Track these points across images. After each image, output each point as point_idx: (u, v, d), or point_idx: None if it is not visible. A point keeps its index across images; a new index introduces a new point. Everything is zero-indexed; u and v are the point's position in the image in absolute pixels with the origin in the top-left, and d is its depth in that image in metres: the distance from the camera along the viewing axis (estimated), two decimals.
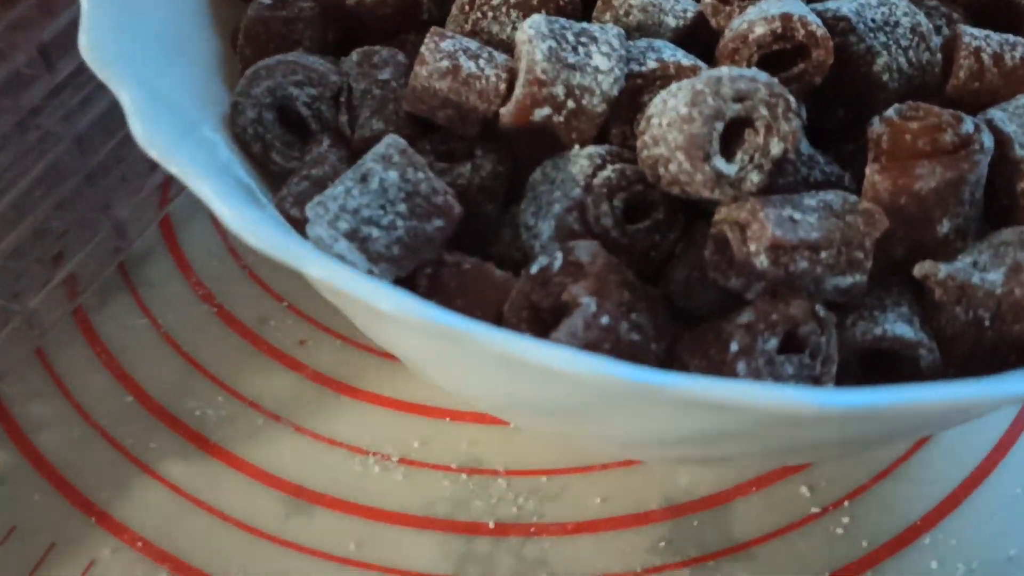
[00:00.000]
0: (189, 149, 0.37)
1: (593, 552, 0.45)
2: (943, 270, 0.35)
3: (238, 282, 0.55)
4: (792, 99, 0.35)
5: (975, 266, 0.35)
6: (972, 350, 0.35)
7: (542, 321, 0.36)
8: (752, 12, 0.39)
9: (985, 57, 0.40)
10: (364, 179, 0.37)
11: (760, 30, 0.38)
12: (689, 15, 0.42)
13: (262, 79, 0.41)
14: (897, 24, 0.40)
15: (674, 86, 0.37)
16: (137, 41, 0.39)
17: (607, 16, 0.43)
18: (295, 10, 0.44)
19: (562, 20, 0.39)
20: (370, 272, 0.37)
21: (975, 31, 0.41)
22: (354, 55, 0.42)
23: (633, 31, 0.42)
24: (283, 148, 0.42)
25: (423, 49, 0.40)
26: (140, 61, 0.38)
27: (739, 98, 0.35)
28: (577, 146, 0.39)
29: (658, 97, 0.37)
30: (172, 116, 0.37)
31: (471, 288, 0.37)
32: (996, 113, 0.38)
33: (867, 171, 0.36)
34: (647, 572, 0.45)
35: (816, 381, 0.34)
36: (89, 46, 0.37)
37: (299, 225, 0.39)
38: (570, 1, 0.43)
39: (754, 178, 0.35)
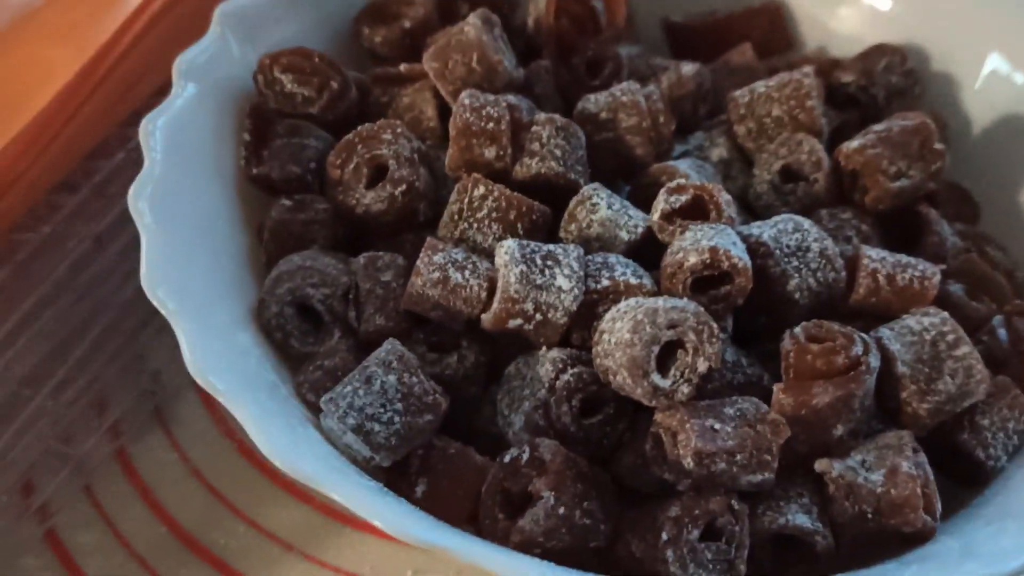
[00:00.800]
0: (229, 371, 0.45)
1: None
2: (836, 468, 0.43)
3: None
4: (715, 326, 0.44)
5: (863, 465, 0.44)
6: (859, 537, 0.43)
7: (512, 504, 0.44)
8: (688, 240, 0.48)
9: (880, 277, 0.48)
10: (368, 381, 0.46)
11: (692, 259, 0.46)
12: (640, 230, 0.50)
13: (284, 282, 0.50)
14: (808, 249, 0.48)
15: (622, 306, 0.45)
16: (186, 266, 0.47)
17: (572, 227, 0.51)
18: (312, 213, 0.53)
19: (532, 244, 0.48)
20: (371, 460, 0.45)
21: (873, 253, 0.49)
22: (361, 259, 0.51)
23: (593, 241, 0.51)
24: (300, 336, 0.51)
25: (419, 263, 0.48)
26: (186, 280, 0.47)
27: (672, 325, 0.43)
28: (544, 347, 0.47)
29: (609, 315, 0.46)
30: (214, 337, 0.45)
31: (455, 470, 0.46)
32: (884, 331, 0.46)
33: (774, 389, 0.44)
34: None
35: (731, 564, 0.42)
36: (147, 276, 0.45)
37: (314, 408, 0.48)
38: (541, 214, 0.51)
39: (684, 390, 0.44)
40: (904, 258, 0.49)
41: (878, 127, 0.55)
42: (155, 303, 0.44)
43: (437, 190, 0.54)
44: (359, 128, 0.53)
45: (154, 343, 0.61)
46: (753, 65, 0.63)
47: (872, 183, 0.53)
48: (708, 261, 0.46)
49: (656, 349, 0.43)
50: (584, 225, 0.51)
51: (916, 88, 0.62)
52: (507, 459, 0.45)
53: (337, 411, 0.45)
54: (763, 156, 0.56)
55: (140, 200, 0.48)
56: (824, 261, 0.48)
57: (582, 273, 0.47)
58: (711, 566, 0.42)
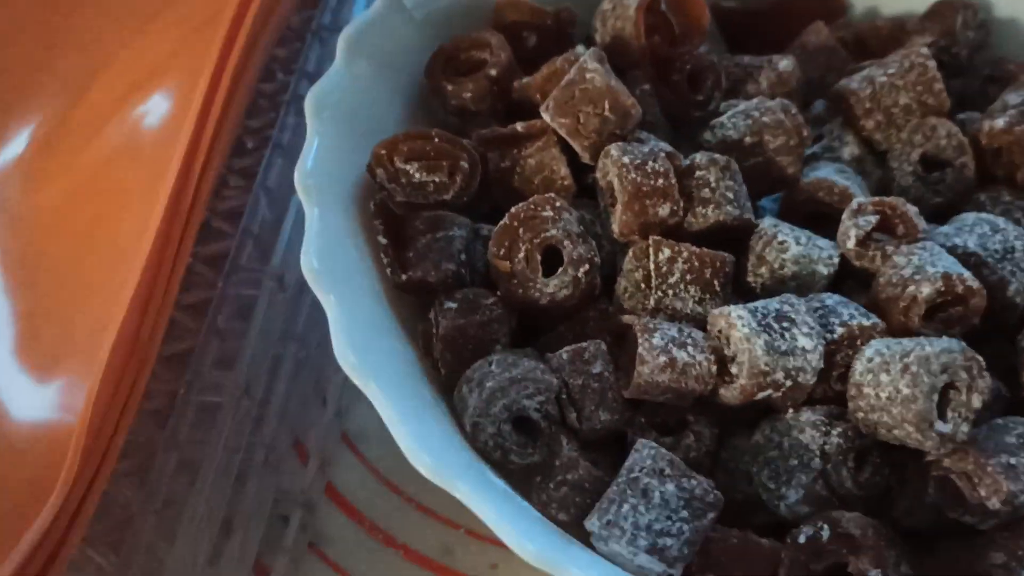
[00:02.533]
0: (462, 476, 0.42)
1: None
2: None
3: (410, 517, 0.59)
4: (980, 359, 0.43)
5: None
6: None
7: None
8: (906, 267, 0.46)
9: None
10: (645, 495, 0.43)
11: (927, 290, 0.45)
12: (835, 260, 0.49)
13: (498, 399, 0.46)
14: (1013, 249, 0.48)
15: (873, 355, 0.44)
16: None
17: (762, 270, 0.49)
18: (486, 313, 0.48)
19: (758, 305, 0.45)
20: (666, 574, 0.43)
21: None
22: (564, 355, 0.47)
23: (788, 281, 0.49)
24: (519, 451, 0.47)
25: (641, 350, 0.45)
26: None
27: (944, 370, 0.42)
28: (791, 410, 0.46)
29: (861, 366, 0.44)
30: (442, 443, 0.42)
31: (743, 560, 0.44)
32: None
33: None
34: None
35: None
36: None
37: (564, 526, 0.45)
38: (730, 264, 0.49)
39: (964, 430, 0.43)
40: None
41: (1013, 99, 0.54)
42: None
43: None
44: (514, 211, 0.49)
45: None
46: (831, 45, 0.61)
47: (1021, 157, 0.53)
48: (943, 289, 0.45)
49: (936, 398, 0.42)
50: (776, 266, 0.49)
51: (990, 39, 0.62)
52: (802, 539, 0.43)
53: (624, 535, 0.42)
54: (897, 147, 0.55)
55: None
56: None
57: (818, 327, 0.45)
58: None
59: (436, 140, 0.50)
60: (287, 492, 0.57)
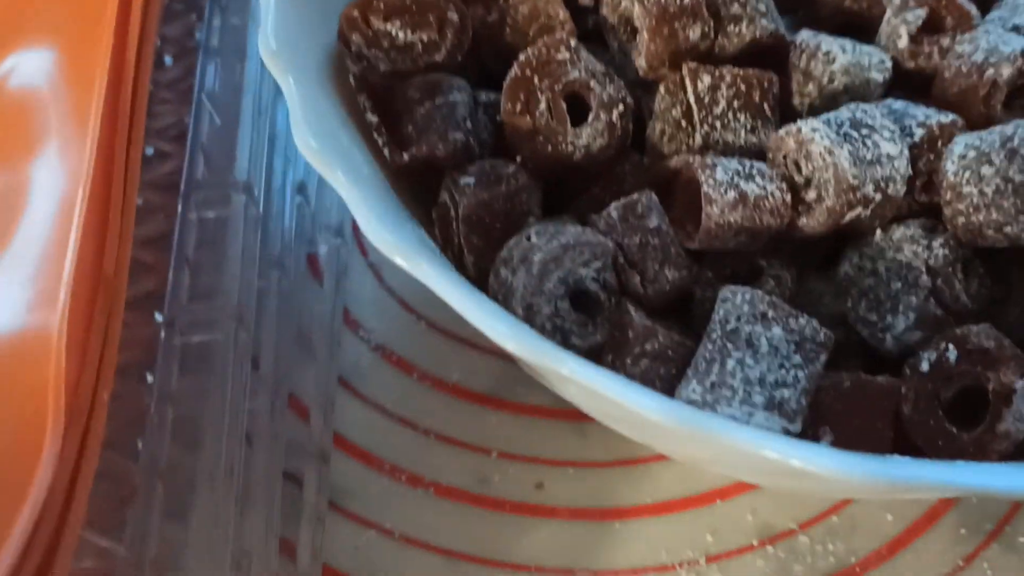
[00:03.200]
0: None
1: (913, 559, 0.48)
2: None
3: (433, 451, 0.52)
4: None
5: None
6: None
7: (951, 412, 0.38)
8: (979, 55, 0.41)
9: None
10: (751, 344, 0.36)
11: (1007, 71, 0.40)
12: (888, 64, 0.43)
13: (552, 272, 0.39)
14: None
15: (968, 151, 0.39)
16: None
17: (810, 87, 0.43)
18: (512, 182, 0.41)
19: (832, 116, 0.39)
20: (786, 431, 0.37)
21: None
22: (613, 211, 0.40)
23: (841, 96, 0.43)
24: (580, 330, 0.40)
25: (706, 188, 0.39)
26: None
27: None
28: (879, 230, 0.40)
29: (954, 166, 0.39)
30: None
31: (860, 403, 0.38)
32: None
33: None
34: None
35: None
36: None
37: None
38: (777, 84, 0.43)
39: None
40: None
41: None
42: None
43: None
44: (524, 58, 0.41)
45: None
46: None
47: None
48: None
49: None
50: (825, 81, 0.43)
51: None
52: (925, 366, 0.38)
53: (735, 395, 0.36)
54: None
55: None
56: None
57: (899, 130, 0.40)
58: None
59: None
60: (296, 447, 0.49)
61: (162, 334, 0.41)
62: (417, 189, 0.43)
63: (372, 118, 0.42)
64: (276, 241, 0.48)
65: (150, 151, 0.48)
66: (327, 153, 0.36)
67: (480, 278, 0.41)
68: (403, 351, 0.55)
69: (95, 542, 0.36)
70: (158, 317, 0.44)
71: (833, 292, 0.42)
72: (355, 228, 0.59)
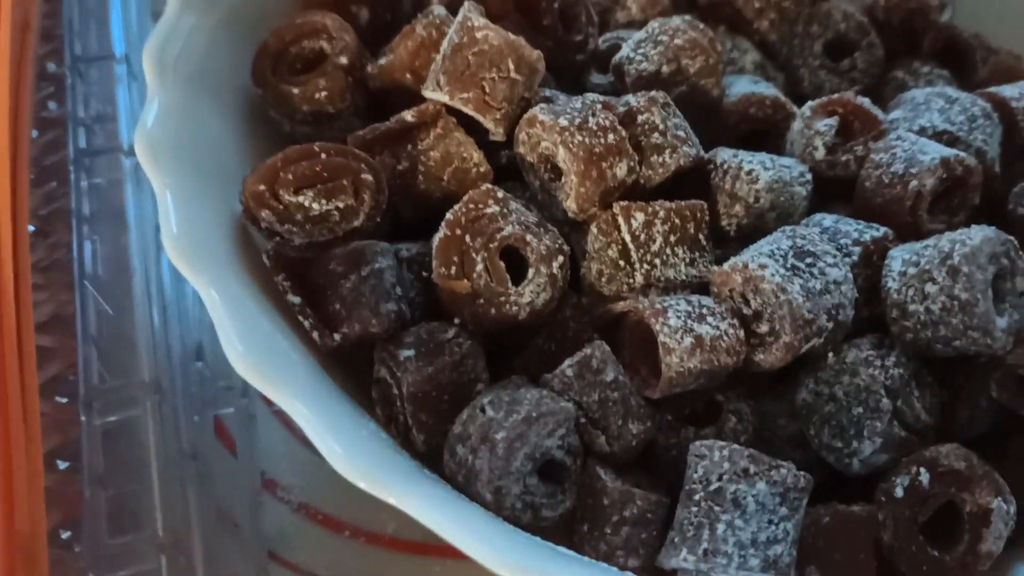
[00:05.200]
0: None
1: None
2: None
3: None
4: (1014, 239, 0.39)
5: None
6: None
7: (926, 533, 0.38)
8: (898, 164, 0.41)
9: None
10: (737, 504, 0.35)
11: (930, 181, 0.41)
12: (808, 177, 0.43)
13: (518, 450, 0.36)
14: (975, 117, 0.44)
15: (908, 268, 0.39)
16: None
17: (737, 208, 0.42)
18: (456, 350, 0.38)
19: (773, 246, 0.39)
20: None
21: (1008, 91, 0.47)
22: (568, 370, 0.38)
23: (767, 213, 0.43)
24: (550, 501, 0.38)
25: (662, 338, 0.37)
26: None
27: (990, 261, 0.38)
28: (831, 354, 0.40)
29: (896, 283, 0.39)
30: None
31: (841, 536, 0.38)
32: None
33: None
34: None
35: None
36: None
37: (637, 572, 0.37)
38: (706, 211, 0.42)
39: (1016, 319, 0.39)
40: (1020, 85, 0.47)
41: None
42: None
43: None
44: (452, 217, 0.39)
45: None
46: None
47: (924, 24, 0.50)
48: (944, 176, 0.41)
49: (991, 293, 0.38)
50: (752, 200, 0.42)
51: None
52: (900, 492, 0.37)
53: (731, 561, 0.34)
54: (796, 44, 0.51)
55: None
56: (989, 121, 0.45)
57: (841, 253, 0.39)
58: None
59: (323, 155, 0.39)
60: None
61: (83, 418, 0.36)
62: (351, 366, 0.40)
63: (294, 299, 0.38)
64: (184, 425, 0.44)
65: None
66: (265, 368, 0.33)
67: (431, 455, 0.38)
68: (329, 507, 0.51)
69: None
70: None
71: (788, 414, 0.41)
72: None
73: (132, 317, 0.41)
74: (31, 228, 0.47)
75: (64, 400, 0.41)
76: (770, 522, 0.35)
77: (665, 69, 0.45)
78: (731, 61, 0.50)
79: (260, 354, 0.34)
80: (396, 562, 0.50)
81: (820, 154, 0.43)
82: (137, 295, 0.42)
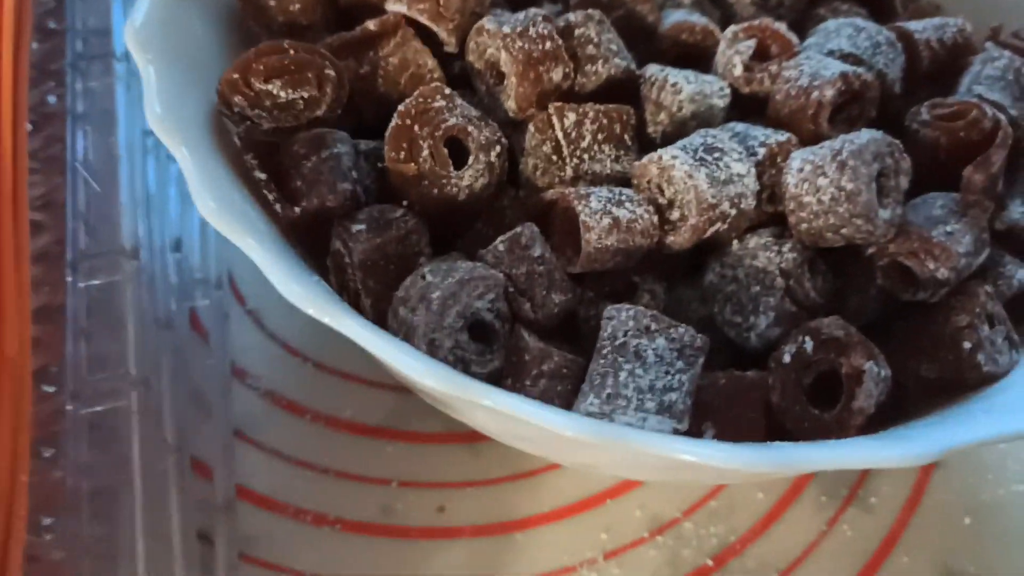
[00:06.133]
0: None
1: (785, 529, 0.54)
2: (1021, 218, 0.47)
3: (334, 487, 0.53)
4: (899, 143, 0.44)
5: None
6: None
7: (812, 396, 0.43)
8: (804, 79, 0.46)
9: (933, 44, 0.51)
10: (638, 356, 0.40)
11: (830, 92, 0.46)
12: (727, 91, 0.48)
13: (450, 307, 0.41)
14: (879, 44, 0.49)
15: (801, 165, 0.44)
16: None
17: (661, 116, 0.48)
18: (402, 226, 0.44)
19: (686, 142, 0.44)
20: (676, 431, 0.41)
21: (913, 25, 0.52)
22: (500, 245, 0.43)
23: (689, 122, 0.48)
24: (479, 359, 0.43)
25: (583, 217, 0.42)
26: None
27: (874, 158, 0.43)
28: (735, 241, 0.45)
29: (794, 179, 0.44)
30: None
31: (734, 397, 0.43)
32: (977, 87, 0.49)
33: (965, 172, 0.46)
34: None
35: (1009, 338, 0.45)
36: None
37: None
38: (633, 115, 0.47)
39: (899, 212, 0.44)
40: (930, 21, 0.52)
41: None
42: None
43: None
44: (403, 108, 0.44)
45: None
46: None
47: None
48: (843, 88, 0.46)
49: (874, 187, 0.43)
50: (675, 109, 0.47)
51: None
52: (787, 358, 0.43)
53: (630, 403, 0.40)
54: None
55: None
56: (893, 48, 0.50)
57: (745, 150, 0.44)
58: (1004, 348, 0.44)
59: (292, 52, 0.44)
60: (203, 505, 0.49)
61: (68, 407, 0.41)
62: (309, 240, 0.45)
63: (260, 175, 0.43)
64: (162, 302, 0.49)
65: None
66: (229, 216, 0.38)
67: (379, 319, 0.43)
68: (293, 394, 0.57)
69: None
70: (47, 389, 0.44)
71: (700, 299, 0.46)
72: (232, 280, 0.60)
73: (118, 198, 0.46)
74: (29, 126, 0.52)
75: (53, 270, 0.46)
76: (667, 372, 0.40)
77: None
78: None
79: (227, 208, 0.39)
80: (353, 443, 0.55)
81: (738, 71, 0.48)
82: (122, 179, 0.47)
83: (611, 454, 0.41)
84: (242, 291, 0.60)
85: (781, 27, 0.49)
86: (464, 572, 0.51)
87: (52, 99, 0.52)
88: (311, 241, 0.45)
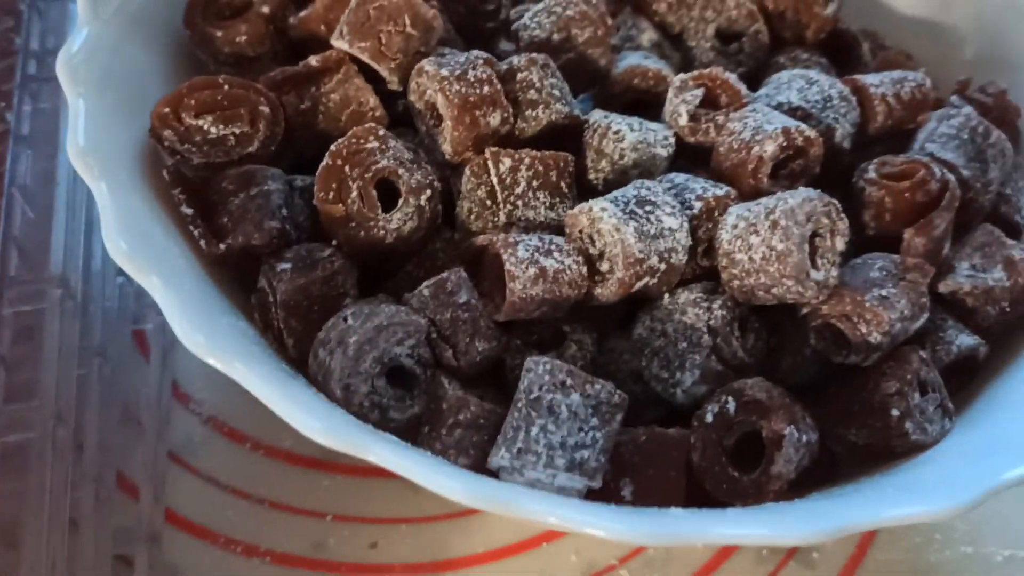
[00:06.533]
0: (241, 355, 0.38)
1: None
2: (964, 283, 0.46)
3: (267, 519, 0.53)
4: (838, 203, 0.43)
5: (976, 268, 0.47)
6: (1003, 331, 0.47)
7: (733, 457, 0.42)
8: (747, 132, 0.46)
9: (890, 99, 0.50)
10: (552, 411, 0.40)
11: (771, 148, 0.45)
12: (671, 140, 0.48)
13: (367, 352, 0.41)
14: (830, 98, 0.49)
15: (736, 221, 0.43)
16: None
17: (603, 164, 0.47)
18: (327, 266, 0.43)
19: (616, 195, 0.43)
20: (589, 488, 0.40)
21: (869, 79, 0.51)
22: (425, 290, 0.43)
23: (631, 170, 0.47)
24: (398, 404, 0.42)
25: (508, 266, 0.42)
26: None
27: (808, 218, 0.42)
28: (666, 295, 0.44)
29: (728, 235, 0.43)
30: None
31: (654, 455, 0.42)
32: (929, 145, 0.48)
33: (905, 235, 0.45)
34: None
35: (943, 407, 0.44)
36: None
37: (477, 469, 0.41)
38: (572, 163, 0.46)
39: (834, 274, 0.43)
40: (889, 74, 0.51)
41: None
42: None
43: None
44: (335, 148, 0.43)
45: None
46: None
47: (809, 16, 0.54)
48: (784, 144, 0.45)
49: (807, 248, 0.42)
50: (617, 157, 0.47)
51: None
52: (709, 418, 0.42)
53: (539, 459, 0.39)
54: (691, 26, 0.55)
55: None
56: (845, 103, 0.49)
57: (679, 205, 0.44)
58: (935, 416, 0.43)
59: (226, 87, 0.44)
60: (125, 530, 0.49)
61: None
62: (237, 278, 0.44)
63: (187, 210, 0.43)
64: (97, 327, 0.49)
65: None
66: (139, 256, 0.38)
67: (301, 359, 0.43)
68: (235, 421, 0.56)
69: None
70: None
71: (631, 351, 0.46)
72: None
73: (51, 222, 0.46)
74: None
75: None
76: (580, 429, 0.40)
77: (556, 37, 0.50)
78: (630, 38, 0.55)
79: (140, 248, 0.39)
80: (290, 474, 0.55)
81: (683, 120, 0.48)
82: (59, 204, 0.47)
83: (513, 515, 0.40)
84: None
85: (731, 77, 0.48)
86: None
87: (9, 118, 0.52)
88: (240, 278, 0.45)
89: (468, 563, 0.53)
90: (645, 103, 0.51)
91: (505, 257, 0.42)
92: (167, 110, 0.43)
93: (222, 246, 0.43)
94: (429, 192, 0.44)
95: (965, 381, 0.47)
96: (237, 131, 0.44)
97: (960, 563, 0.55)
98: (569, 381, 0.40)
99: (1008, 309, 0.46)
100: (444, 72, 0.44)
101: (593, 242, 0.44)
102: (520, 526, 0.54)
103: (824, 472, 0.44)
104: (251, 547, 0.52)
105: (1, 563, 0.40)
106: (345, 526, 0.53)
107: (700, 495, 0.42)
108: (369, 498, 0.54)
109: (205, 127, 0.43)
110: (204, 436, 0.56)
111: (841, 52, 0.56)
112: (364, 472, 0.55)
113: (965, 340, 0.45)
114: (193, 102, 0.43)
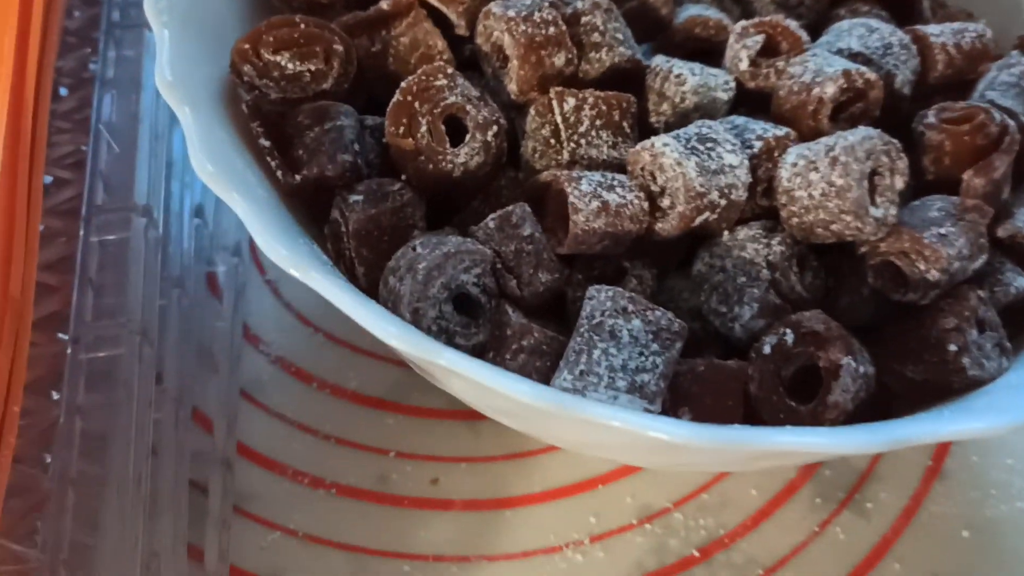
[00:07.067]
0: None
1: (775, 528, 0.54)
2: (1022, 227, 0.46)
3: (333, 453, 0.55)
4: (898, 143, 0.44)
5: None
6: None
7: (791, 388, 0.43)
8: (803, 74, 0.46)
9: (950, 48, 0.50)
10: (613, 335, 0.41)
11: (831, 89, 0.46)
12: (732, 85, 0.49)
13: (435, 279, 0.42)
14: (890, 45, 0.49)
15: (796, 159, 0.44)
16: None
17: (664, 107, 0.48)
18: (397, 199, 0.45)
19: (679, 132, 0.44)
20: (647, 411, 0.41)
21: (931, 29, 0.51)
22: (490, 222, 0.44)
23: (692, 113, 0.48)
24: (464, 331, 0.44)
25: (572, 199, 0.43)
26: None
27: (868, 156, 0.43)
28: (726, 232, 0.45)
29: (788, 172, 0.44)
30: None
31: (713, 385, 0.43)
32: (990, 93, 0.49)
33: (964, 176, 0.45)
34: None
35: (1001, 345, 0.44)
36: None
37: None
38: (635, 104, 0.47)
39: (893, 212, 0.44)
40: (949, 25, 0.52)
41: None
42: None
43: None
44: (406, 85, 0.45)
45: None
46: None
47: None
48: (845, 85, 0.46)
49: (866, 184, 0.43)
50: (678, 100, 0.48)
51: None
52: (767, 349, 0.43)
53: (601, 380, 0.40)
54: None
55: None
56: (906, 51, 0.49)
57: (739, 143, 0.45)
58: (992, 354, 0.44)
59: (303, 25, 0.46)
60: (201, 457, 0.51)
61: (68, 351, 0.43)
62: (310, 209, 0.46)
63: (265, 143, 0.45)
64: (176, 262, 0.51)
65: (49, 179, 0.50)
66: (223, 176, 0.40)
67: (371, 288, 0.45)
68: (302, 362, 0.58)
69: (10, 547, 0.38)
70: (62, 336, 0.46)
71: (691, 289, 0.47)
72: (252, 247, 0.62)
73: (134, 159, 0.49)
74: (64, 90, 0.55)
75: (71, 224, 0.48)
76: (641, 354, 0.41)
77: None
78: None
79: (225, 170, 0.40)
80: (355, 412, 0.57)
81: (744, 65, 0.49)
82: (142, 143, 0.50)
83: (582, 428, 0.42)
84: (262, 262, 0.62)
85: (791, 24, 0.49)
86: (453, 543, 0.53)
87: (93, 65, 0.55)
88: (313, 209, 0.46)
89: (526, 501, 0.54)
90: (705, 52, 0.52)
91: (569, 190, 0.43)
92: (247, 46, 0.45)
93: (297, 177, 0.45)
94: (495, 128, 0.45)
95: (1023, 324, 0.47)
96: (312, 68, 0.46)
97: (1016, 519, 0.55)
98: (631, 307, 0.41)
99: None
100: (511, 13, 0.46)
101: (655, 179, 0.45)
102: (576, 468, 0.56)
103: (880, 411, 0.45)
104: (317, 479, 0.54)
105: (89, 475, 0.42)
106: (408, 462, 0.55)
107: (758, 426, 0.43)
108: (431, 437, 0.56)
109: (282, 63, 0.45)
110: (273, 375, 0.58)
111: (902, 7, 0.57)
112: (426, 413, 0.57)
113: (1023, 283, 0.46)
114: (272, 39, 0.45)
